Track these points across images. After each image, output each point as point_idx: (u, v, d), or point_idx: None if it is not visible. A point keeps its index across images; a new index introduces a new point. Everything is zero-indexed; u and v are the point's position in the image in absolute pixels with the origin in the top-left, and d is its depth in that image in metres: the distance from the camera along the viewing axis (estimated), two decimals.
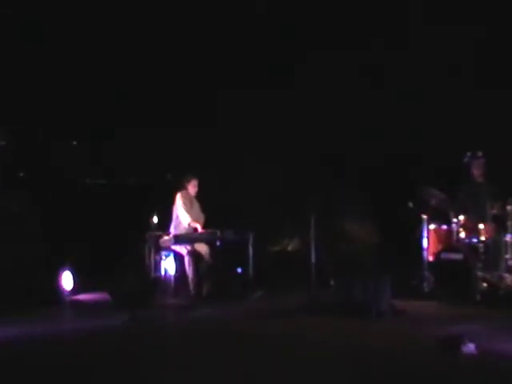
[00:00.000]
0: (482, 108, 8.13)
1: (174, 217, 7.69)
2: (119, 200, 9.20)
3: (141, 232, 7.74)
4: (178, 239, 7.48)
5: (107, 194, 9.35)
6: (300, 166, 9.08)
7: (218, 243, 7.37)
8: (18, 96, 8.79)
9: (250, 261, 7.60)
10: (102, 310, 6.91)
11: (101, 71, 9.01)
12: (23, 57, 8.64)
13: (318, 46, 8.81)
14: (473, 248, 7.12)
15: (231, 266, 7.78)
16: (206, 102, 9.24)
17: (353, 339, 5.36)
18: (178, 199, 7.66)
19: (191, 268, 7.35)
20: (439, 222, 7.55)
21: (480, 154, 7.52)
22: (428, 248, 7.48)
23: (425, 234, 7.48)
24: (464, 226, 7.29)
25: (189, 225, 7.55)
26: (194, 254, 7.43)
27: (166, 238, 7.58)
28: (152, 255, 7.62)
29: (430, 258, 7.43)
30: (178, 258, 7.55)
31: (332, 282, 7.13)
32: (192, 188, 7.80)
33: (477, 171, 7.56)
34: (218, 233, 7.40)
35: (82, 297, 7.57)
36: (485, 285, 6.86)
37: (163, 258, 7.61)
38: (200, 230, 7.57)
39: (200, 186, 7.88)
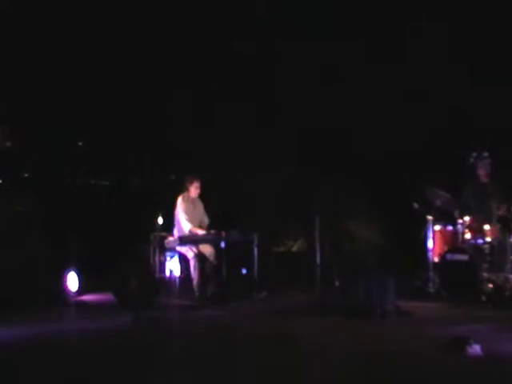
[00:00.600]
0: (488, 107, 8.11)
1: (177, 222, 7.67)
2: (124, 201, 9.22)
3: (145, 233, 7.74)
4: (183, 240, 7.47)
5: (112, 194, 9.37)
6: (305, 166, 9.07)
7: (222, 244, 7.36)
8: (23, 97, 8.81)
9: (255, 262, 7.59)
10: (107, 310, 6.91)
11: (107, 71, 9.03)
12: (29, 57, 8.66)
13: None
14: (478, 249, 7.10)
15: (236, 267, 7.77)
16: (211, 103, 9.25)
17: (357, 340, 5.35)
18: (179, 204, 7.62)
19: (196, 271, 7.34)
20: (444, 222, 7.53)
21: (485, 154, 7.50)
22: (433, 249, 7.46)
23: (430, 234, 7.46)
24: (469, 227, 7.26)
25: (190, 231, 7.53)
26: (200, 257, 7.42)
27: (170, 239, 7.58)
28: (157, 256, 7.62)
29: (436, 259, 7.41)
30: (183, 259, 7.54)
31: (337, 283, 7.12)
32: (194, 190, 7.75)
33: (482, 172, 7.54)
34: (223, 234, 7.39)
35: (86, 297, 7.58)
36: (490, 286, 6.84)
37: (168, 258, 7.61)
38: (201, 233, 7.55)
39: (205, 187, 7.86)
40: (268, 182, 8.94)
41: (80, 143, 9.93)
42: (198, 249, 7.48)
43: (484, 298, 6.71)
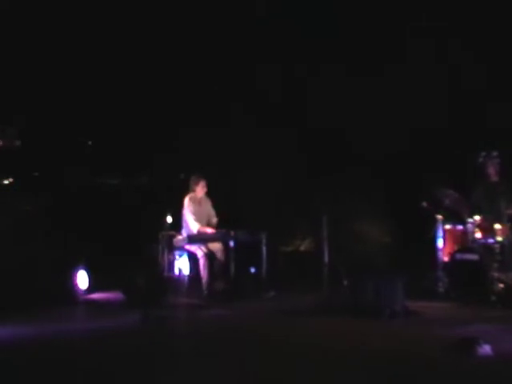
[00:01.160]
0: (496, 106, 8.07)
1: (184, 222, 7.68)
2: (133, 200, 9.23)
3: (154, 232, 7.75)
4: (192, 239, 7.48)
5: (121, 193, 9.39)
6: (313, 166, 9.06)
7: (231, 243, 7.36)
8: (32, 96, 8.84)
9: (263, 261, 7.59)
10: (116, 309, 6.93)
11: (116, 70, 9.05)
12: (38, 57, 8.69)
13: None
14: (488, 248, 7.05)
15: (244, 266, 7.77)
16: (219, 102, 9.25)
17: (366, 340, 5.33)
18: (186, 205, 7.63)
19: (206, 270, 7.35)
20: (454, 222, 7.49)
21: (495, 153, 7.45)
22: (443, 248, 7.43)
23: (439, 234, 7.43)
24: (479, 226, 7.22)
25: (198, 231, 7.54)
26: (209, 256, 7.42)
27: (179, 237, 7.59)
28: (165, 255, 7.63)
29: (445, 259, 7.38)
30: (192, 257, 7.55)
31: (345, 282, 7.10)
32: (201, 189, 7.76)
33: (492, 171, 7.50)
34: (232, 233, 7.39)
35: (96, 296, 7.60)
36: (500, 285, 6.79)
37: (177, 257, 7.62)
38: (210, 231, 7.56)
39: (213, 187, 7.86)
40: (276, 181, 8.93)
41: (89, 142, 9.96)
42: (207, 247, 7.49)
43: (494, 298, 6.67)
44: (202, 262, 7.38)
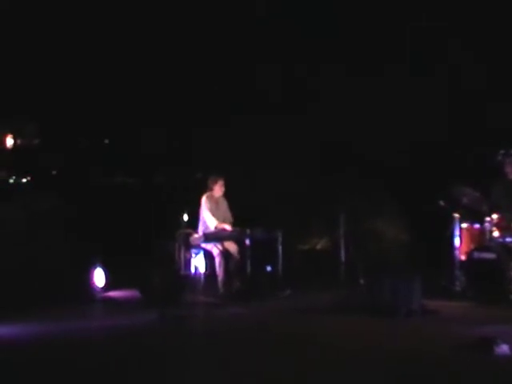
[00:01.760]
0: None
1: (201, 220, 7.70)
2: (150, 198, 9.29)
3: (171, 230, 7.79)
4: (208, 237, 7.50)
5: (138, 192, 9.45)
6: (329, 164, 9.04)
7: (247, 242, 7.37)
8: (51, 95, 8.93)
9: (279, 259, 7.59)
10: (133, 307, 6.97)
11: (133, 69, 9.11)
12: (57, 57, 8.77)
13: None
14: (506, 247, 6.99)
15: (260, 265, 7.78)
16: (235, 102, 9.27)
17: (382, 339, 5.32)
18: (204, 203, 7.65)
19: (221, 268, 7.37)
20: (471, 220, 7.44)
21: None
22: (460, 247, 7.37)
23: (457, 232, 7.37)
24: (497, 225, 7.15)
25: (216, 228, 7.56)
26: (225, 255, 7.44)
27: (196, 235, 7.62)
28: (182, 253, 7.66)
29: (462, 258, 7.32)
30: (208, 256, 7.57)
31: (362, 281, 7.08)
32: (219, 188, 7.74)
33: (510, 169, 7.42)
34: (248, 231, 7.40)
35: (113, 294, 7.66)
36: None
37: (193, 255, 7.65)
38: (228, 228, 7.58)
39: (229, 185, 7.87)
40: (293, 180, 8.92)
41: (106, 141, 10.03)
42: (223, 246, 7.51)
43: (511, 298, 6.61)
44: (218, 260, 7.40)
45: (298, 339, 5.40)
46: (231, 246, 7.57)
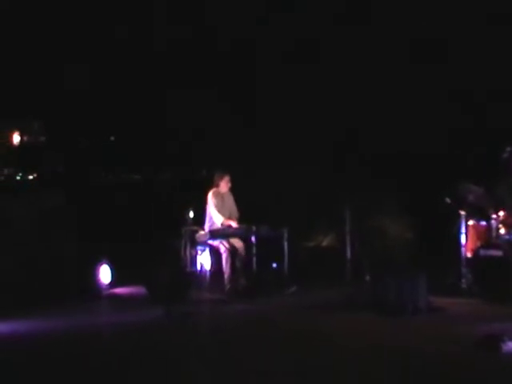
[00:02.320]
0: None
1: (208, 216, 7.71)
2: (155, 195, 9.30)
3: (177, 227, 7.80)
4: (214, 234, 7.51)
5: (144, 189, 9.46)
6: (335, 162, 9.04)
7: (253, 239, 7.38)
8: (56, 92, 8.95)
9: (285, 256, 7.59)
10: (139, 304, 6.99)
11: (138, 67, 9.12)
12: (63, 54, 8.78)
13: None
14: None
15: (266, 262, 7.78)
16: (244, 100, 9.27)
17: (389, 337, 5.32)
18: (210, 199, 7.66)
19: (228, 265, 7.37)
20: (478, 217, 7.41)
21: None
22: (466, 244, 7.35)
23: (463, 230, 7.35)
24: (504, 222, 7.13)
25: (222, 224, 7.57)
26: (231, 252, 7.45)
27: (201, 232, 7.62)
28: (188, 250, 7.67)
29: (469, 255, 7.30)
30: (214, 252, 7.58)
31: (367, 278, 7.07)
32: (225, 184, 7.76)
33: None
34: (254, 228, 7.40)
35: (119, 290, 7.68)
36: None
37: (199, 252, 7.66)
38: (235, 225, 7.58)
39: (235, 182, 7.87)
40: (298, 177, 8.92)
41: (112, 138, 10.05)
42: (229, 242, 7.51)
43: None
44: (224, 256, 7.41)
45: (304, 336, 5.40)
46: (237, 243, 7.58)
